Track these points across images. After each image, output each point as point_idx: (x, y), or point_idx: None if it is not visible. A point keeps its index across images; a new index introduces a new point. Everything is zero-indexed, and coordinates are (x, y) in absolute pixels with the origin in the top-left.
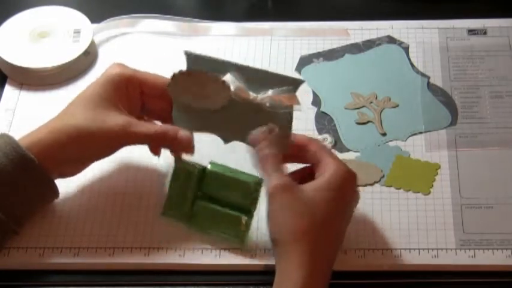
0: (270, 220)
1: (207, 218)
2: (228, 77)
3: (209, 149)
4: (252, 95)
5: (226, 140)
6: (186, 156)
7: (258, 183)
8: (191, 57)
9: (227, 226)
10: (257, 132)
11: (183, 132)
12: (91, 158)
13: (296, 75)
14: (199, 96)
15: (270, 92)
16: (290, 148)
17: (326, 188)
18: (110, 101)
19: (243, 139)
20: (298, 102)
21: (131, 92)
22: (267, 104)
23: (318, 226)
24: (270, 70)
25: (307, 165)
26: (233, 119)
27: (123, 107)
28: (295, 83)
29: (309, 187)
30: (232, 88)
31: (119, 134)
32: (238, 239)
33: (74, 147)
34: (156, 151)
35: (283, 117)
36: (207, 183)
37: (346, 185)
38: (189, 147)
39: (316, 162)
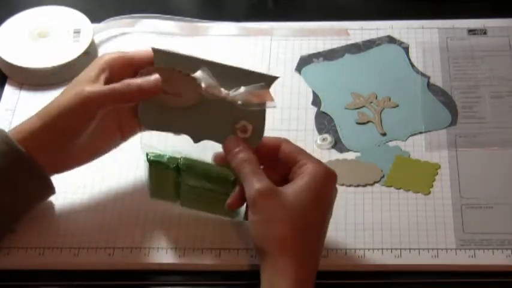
0: (253, 229)
1: (194, 199)
2: (199, 74)
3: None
4: (223, 92)
5: (197, 140)
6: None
7: (233, 181)
8: (159, 54)
9: (216, 206)
10: (230, 139)
11: (143, 80)
12: (72, 137)
13: (296, 75)
14: (169, 94)
15: (242, 89)
16: (261, 150)
17: (307, 190)
18: (89, 82)
19: (214, 138)
20: (271, 99)
21: (123, 74)
22: (239, 102)
23: (302, 232)
24: (242, 67)
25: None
26: (204, 118)
27: None
28: (268, 80)
29: (290, 191)
30: (203, 85)
31: (80, 101)
32: (230, 216)
33: (54, 131)
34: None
35: (256, 115)
36: (183, 176)
37: (327, 185)
38: (153, 93)
39: (293, 163)
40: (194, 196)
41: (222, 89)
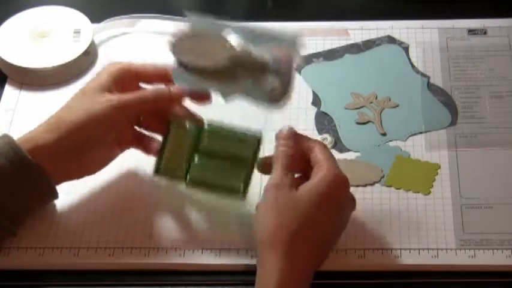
0: (256, 216)
1: (204, 174)
2: (229, 35)
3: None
4: (253, 49)
5: (227, 97)
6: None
7: (258, 137)
8: (192, 18)
9: (226, 180)
10: (286, 129)
11: (174, 87)
12: (97, 147)
13: (296, 75)
14: (202, 55)
15: (271, 49)
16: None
17: (313, 191)
18: (102, 91)
19: (244, 97)
20: (298, 56)
21: (128, 84)
22: (269, 62)
23: (299, 228)
24: (268, 27)
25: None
26: (234, 77)
27: None
28: (295, 38)
29: (300, 189)
30: (235, 46)
31: (109, 110)
32: (238, 195)
33: (72, 141)
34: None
35: (284, 71)
36: (206, 140)
37: (335, 189)
38: (181, 100)
39: (315, 165)
40: (207, 167)
41: (252, 47)
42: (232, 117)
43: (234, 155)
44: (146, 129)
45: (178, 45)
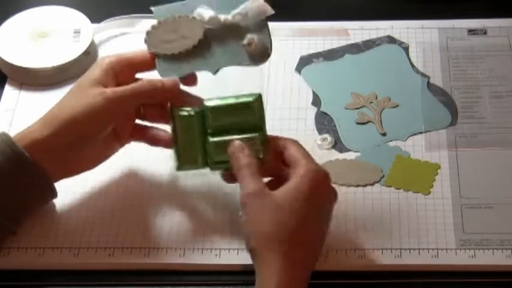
0: (244, 230)
1: (223, 153)
2: (197, 12)
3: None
4: (223, 17)
5: (214, 70)
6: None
7: (258, 98)
8: (158, 10)
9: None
10: (234, 144)
11: (167, 79)
12: (93, 141)
13: (296, 75)
14: (176, 39)
15: (239, 9)
16: (272, 151)
17: (295, 191)
18: (96, 85)
19: (229, 63)
20: (268, 8)
21: (123, 76)
22: (240, 22)
23: (291, 231)
24: None
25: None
26: (212, 49)
27: None
28: None
29: (280, 192)
30: (205, 18)
31: (104, 104)
32: (261, 159)
33: (68, 136)
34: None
35: (258, 26)
36: (211, 119)
37: (317, 186)
38: (176, 91)
39: (292, 165)
40: (223, 145)
41: (222, 15)
42: (228, 88)
43: (243, 122)
44: (149, 120)
45: (151, 40)
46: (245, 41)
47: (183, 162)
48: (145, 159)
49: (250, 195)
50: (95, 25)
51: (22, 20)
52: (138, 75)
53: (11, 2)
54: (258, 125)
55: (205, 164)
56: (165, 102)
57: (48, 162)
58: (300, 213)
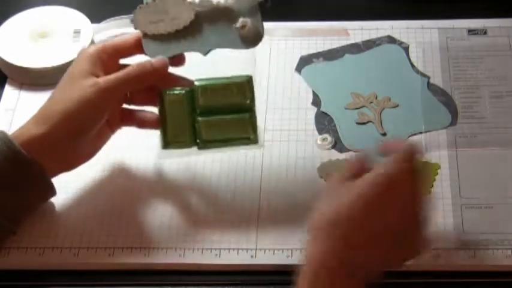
0: (316, 207)
1: (212, 132)
2: None
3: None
4: (215, 0)
5: (205, 51)
6: None
7: (249, 80)
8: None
9: (235, 131)
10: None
11: (155, 60)
12: (88, 133)
13: (296, 75)
14: (165, 20)
15: None
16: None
17: (375, 179)
18: (86, 76)
19: (220, 44)
20: None
21: (110, 63)
22: (233, 5)
23: (341, 220)
24: None
25: None
26: (204, 30)
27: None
28: None
29: (356, 181)
30: (196, 0)
31: (99, 93)
32: (250, 140)
33: (67, 131)
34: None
35: (250, 10)
36: (200, 98)
37: (396, 183)
38: (166, 71)
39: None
40: (212, 125)
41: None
42: (218, 70)
43: (233, 103)
44: (136, 104)
45: (138, 19)
46: (238, 24)
47: (170, 140)
48: (146, 160)
49: (339, 179)
50: (95, 25)
51: (22, 20)
52: (122, 62)
53: (11, 2)
54: (249, 106)
55: (193, 143)
56: (155, 85)
57: (46, 159)
58: (358, 207)
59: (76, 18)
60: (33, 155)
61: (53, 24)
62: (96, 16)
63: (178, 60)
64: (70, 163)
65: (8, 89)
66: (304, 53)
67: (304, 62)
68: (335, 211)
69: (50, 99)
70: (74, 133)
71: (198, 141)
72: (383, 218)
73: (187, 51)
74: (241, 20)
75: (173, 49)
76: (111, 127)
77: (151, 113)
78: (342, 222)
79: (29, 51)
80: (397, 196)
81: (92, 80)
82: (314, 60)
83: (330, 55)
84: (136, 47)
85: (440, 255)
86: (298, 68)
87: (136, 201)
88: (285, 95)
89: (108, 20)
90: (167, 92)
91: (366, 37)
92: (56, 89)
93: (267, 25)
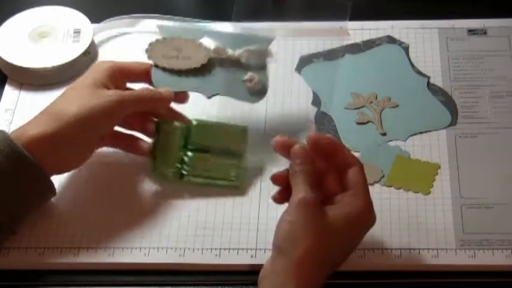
0: (282, 227)
1: (198, 169)
2: (206, 39)
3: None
4: (229, 51)
5: (209, 95)
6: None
7: (244, 130)
8: (164, 29)
9: (221, 171)
10: (298, 148)
11: (164, 89)
12: (92, 140)
13: (296, 75)
14: (179, 57)
15: (245, 49)
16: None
17: (347, 220)
18: (100, 86)
19: (225, 92)
20: (270, 55)
21: (120, 82)
22: (243, 59)
23: (323, 251)
24: (242, 33)
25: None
26: (212, 76)
27: None
28: (267, 41)
29: (331, 213)
30: (212, 47)
31: (113, 105)
32: (233, 183)
33: (75, 134)
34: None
35: (259, 68)
36: (194, 136)
37: (366, 225)
38: (170, 102)
39: (351, 187)
40: (199, 162)
41: (229, 49)
42: (216, 114)
43: (224, 147)
44: (127, 127)
45: (152, 51)
46: (246, 77)
47: (159, 168)
48: (146, 160)
49: (305, 202)
50: (95, 25)
51: (22, 20)
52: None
53: (11, 2)
54: (240, 152)
55: (179, 175)
56: (155, 113)
57: (47, 159)
58: (341, 242)
59: (76, 18)
60: (35, 155)
61: (53, 24)
62: (96, 16)
63: (182, 97)
64: (64, 166)
65: (8, 89)
66: (304, 53)
67: (304, 62)
68: (317, 242)
69: (59, 101)
70: (80, 137)
71: (184, 172)
72: (354, 245)
73: (192, 91)
74: (249, 74)
75: (180, 85)
76: (100, 143)
77: (143, 140)
78: (323, 253)
79: (29, 51)
80: (367, 229)
81: (108, 91)
82: (314, 60)
83: (330, 55)
84: (145, 75)
85: (440, 255)
86: (298, 68)
87: (136, 201)
88: (285, 95)
89: (108, 20)
90: (164, 124)
91: (366, 37)
92: (67, 92)
93: (267, 25)
